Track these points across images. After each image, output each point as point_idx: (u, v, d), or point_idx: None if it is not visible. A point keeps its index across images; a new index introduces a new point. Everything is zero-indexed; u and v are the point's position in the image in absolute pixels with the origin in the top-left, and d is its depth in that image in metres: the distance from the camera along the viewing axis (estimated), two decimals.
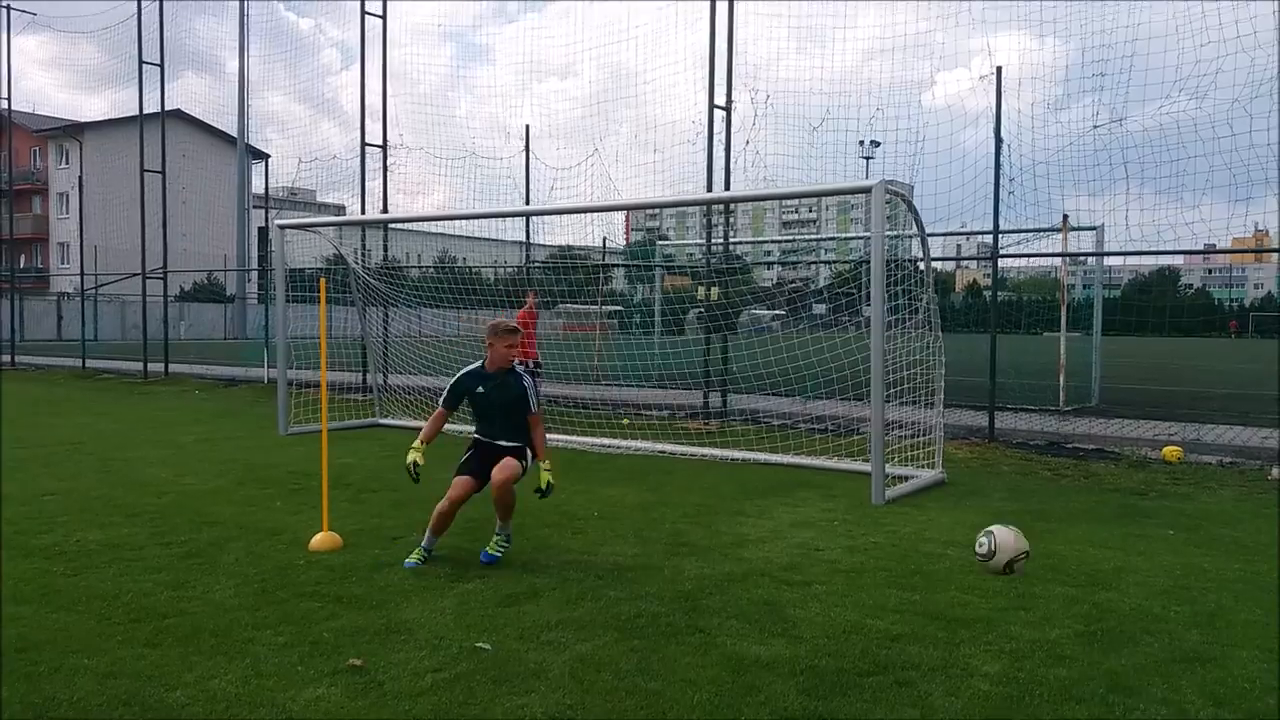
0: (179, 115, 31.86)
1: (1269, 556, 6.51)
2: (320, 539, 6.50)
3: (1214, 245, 20.04)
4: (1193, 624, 5.06)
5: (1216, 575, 6.03)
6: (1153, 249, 12.26)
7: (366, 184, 18.35)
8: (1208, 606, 5.37)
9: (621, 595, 5.47)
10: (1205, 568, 6.20)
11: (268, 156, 34.88)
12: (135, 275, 23.89)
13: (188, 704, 3.92)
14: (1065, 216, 15.07)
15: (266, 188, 30.51)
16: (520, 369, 6.37)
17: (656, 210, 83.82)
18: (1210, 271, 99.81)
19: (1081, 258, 18.58)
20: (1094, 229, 16.27)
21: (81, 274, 28.13)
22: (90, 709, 3.86)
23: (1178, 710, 3.96)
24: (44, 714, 3.83)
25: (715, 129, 14.07)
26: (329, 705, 3.93)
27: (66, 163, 62.04)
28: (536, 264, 18.37)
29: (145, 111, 22.62)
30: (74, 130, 56.41)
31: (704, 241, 16.11)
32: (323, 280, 7.55)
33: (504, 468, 6.10)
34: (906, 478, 9.14)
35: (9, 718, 3.80)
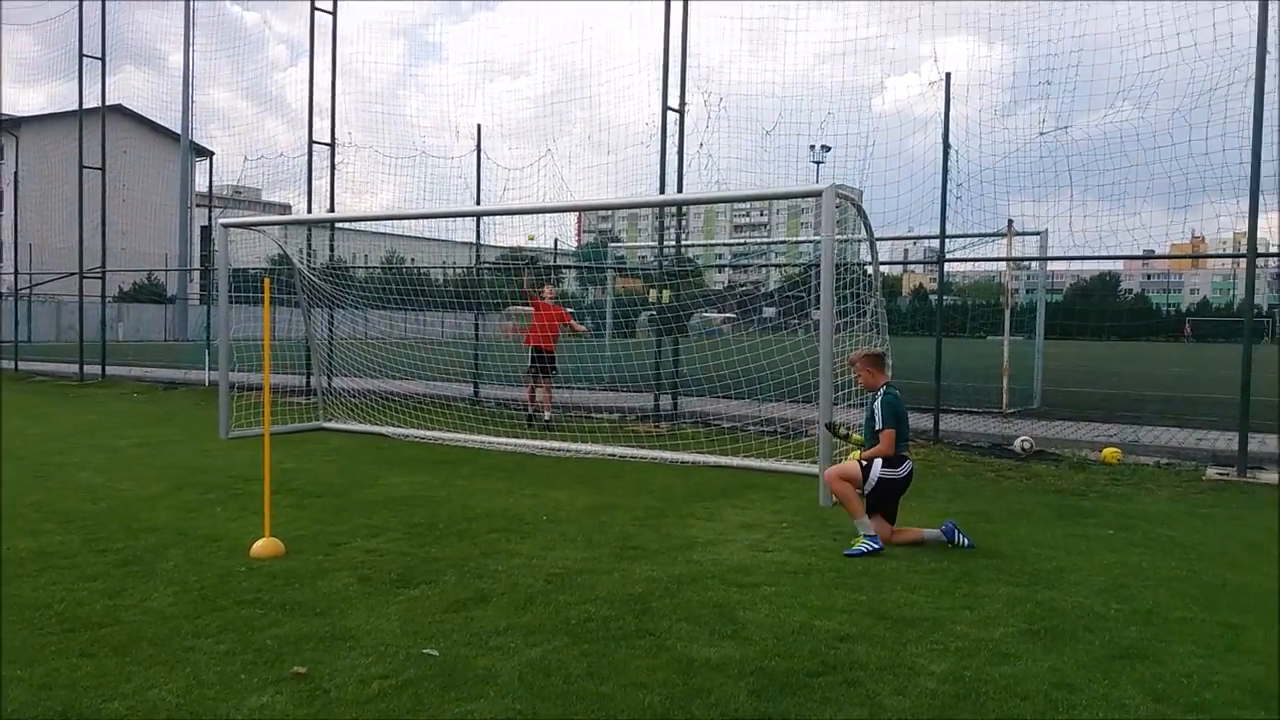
0: (120, 110, 31.07)
1: (1204, 555, 6.67)
2: (262, 545, 6.37)
3: (1153, 251, 20.59)
4: (1131, 621, 5.17)
5: (1154, 574, 6.16)
6: (1095, 254, 12.53)
7: (314, 183, 18.08)
8: (1145, 604, 5.48)
9: (571, 599, 5.44)
10: (1143, 566, 6.34)
11: (212, 154, 34.25)
12: (72, 275, 23.25)
13: (126, 715, 3.82)
14: (1010, 222, 15.34)
15: (211, 186, 29.96)
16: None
17: (609, 212, 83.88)
18: (1149, 277, 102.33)
19: (1025, 262, 18.92)
20: (1038, 234, 16.58)
21: (16, 273, 27.31)
22: None
23: (1118, 706, 4.03)
24: None
25: (669, 131, 14.09)
26: (274, 714, 3.84)
27: (1, 158, 60.28)
28: (486, 265, 18.23)
29: (85, 106, 22.04)
30: (9, 125, 54.76)
31: (656, 244, 16.13)
32: (267, 281, 7.40)
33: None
34: None
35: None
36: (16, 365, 25.13)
